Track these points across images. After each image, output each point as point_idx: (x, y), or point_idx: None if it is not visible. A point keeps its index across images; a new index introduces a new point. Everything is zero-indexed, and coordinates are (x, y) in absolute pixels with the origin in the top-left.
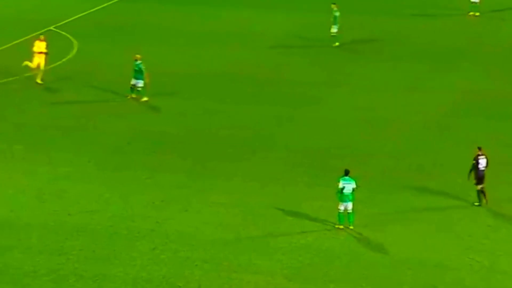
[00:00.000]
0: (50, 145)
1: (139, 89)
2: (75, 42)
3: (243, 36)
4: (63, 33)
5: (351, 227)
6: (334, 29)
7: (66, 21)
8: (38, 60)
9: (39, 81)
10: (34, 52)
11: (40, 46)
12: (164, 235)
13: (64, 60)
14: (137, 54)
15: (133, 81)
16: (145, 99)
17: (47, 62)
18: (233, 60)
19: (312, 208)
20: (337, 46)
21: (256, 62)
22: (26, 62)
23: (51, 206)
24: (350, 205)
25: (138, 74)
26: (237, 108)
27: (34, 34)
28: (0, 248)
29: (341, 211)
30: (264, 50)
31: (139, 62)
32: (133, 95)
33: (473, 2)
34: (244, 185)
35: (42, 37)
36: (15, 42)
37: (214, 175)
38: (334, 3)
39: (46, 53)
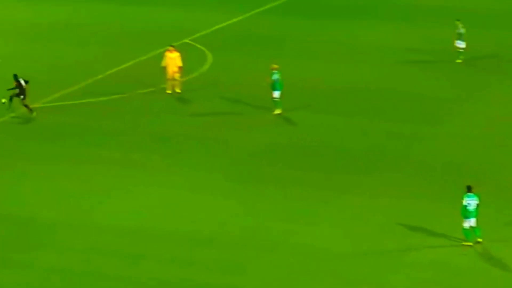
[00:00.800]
0: (183, 155)
1: (276, 100)
2: (209, 55)
3: (370, 49)
4: (198, 45)
5: (480, 240)
6: (460, 45)
7: (201, 33)
8: (172, 71)
9: (178, 90)
10: (165, 65)
11: (171, 57)
12: (291, 248)
13: (198, 72)
14: (274, 64)
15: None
16: (277, 111)
17: (182, 74)
18: (362, 74)
19: (439, 224)
20: (461, 62)
21: (384, 76)
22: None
23: (182, 216)
24: (473, 221)
25: (274, 84)
26: (367, 122)
27: (164, 48)
28: (131, 257)
29: (467, 227)
30: (392, 65)
31: (275, 72)
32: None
33: None
34: (372, 200)
35: (171, 48)
36: (152, 53)
37: (341, 189)
38: (458, 20)
39: (180, 67)
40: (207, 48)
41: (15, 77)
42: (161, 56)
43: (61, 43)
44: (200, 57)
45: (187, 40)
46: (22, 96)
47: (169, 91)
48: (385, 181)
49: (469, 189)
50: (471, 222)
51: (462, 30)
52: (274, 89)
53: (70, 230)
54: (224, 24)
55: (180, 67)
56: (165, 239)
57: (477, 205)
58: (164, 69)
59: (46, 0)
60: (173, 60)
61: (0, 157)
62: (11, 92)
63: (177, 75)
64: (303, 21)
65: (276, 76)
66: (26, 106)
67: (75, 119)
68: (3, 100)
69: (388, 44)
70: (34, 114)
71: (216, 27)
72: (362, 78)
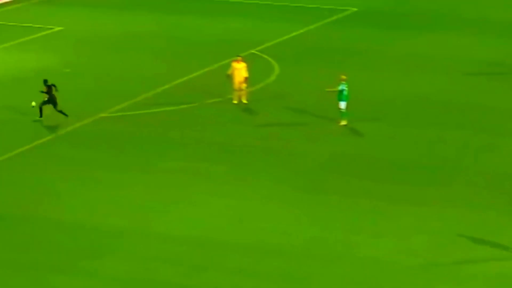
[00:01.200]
0: (248, 165)
1: (343, 111)
2: (276, 65)
3: (439, 61)
4: (265, 56)
5: None
6: None
7: (268, 44)
8: (238, 81)
9: (244, 100)
10: (231, 74)
11: (237, 67)
12: (356, 260)
13: (264, 83)
14: (343, 75)
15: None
16: (343, 123)
17: (248, 84)
18: (432, 86)
19: (506, 236)
20: None
21: (453, 87)
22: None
23: (247, 226)
24: None
25: (340, 95)
26: (436, 134)
27: (232, 59)
28: (196, 267)
29: None
30: (462, 76)
31: (342, 83)
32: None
33: None
34: (439, 212)
35: (239, 58)
36: (219, 64)
37: (409, 200)
38: None
39: (245, 77)
40: (274, 58)
41: (45, 82)
42: (228, 67)
43: (131, 53)
44: (267, 68)
45: (254, 51)
46: (46, 99)
47: (235, 102)
48: (453, 192)
49: None
50: None
51: None
52: (341, 99)
53: (135, 239)
54: (292, 35)
55: (246, 78)
56: (229, 249)
57: None
58: (228, 77)
59: (118, 11)
60: (239, 71)
61: (70, 165)
62: (44, 96)
63: (243, 86)
64: (371, 32)
65: (342, 87)
66: (40, 109)
67: (142, 128)
68: (33, 104)
69: (458, 56)
70: (39, 118)
71: (284, 38)
72: (431, 89)
